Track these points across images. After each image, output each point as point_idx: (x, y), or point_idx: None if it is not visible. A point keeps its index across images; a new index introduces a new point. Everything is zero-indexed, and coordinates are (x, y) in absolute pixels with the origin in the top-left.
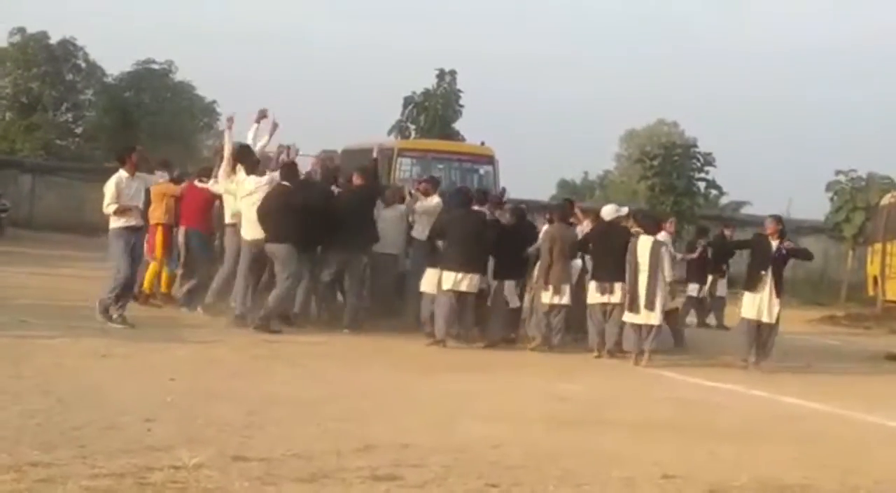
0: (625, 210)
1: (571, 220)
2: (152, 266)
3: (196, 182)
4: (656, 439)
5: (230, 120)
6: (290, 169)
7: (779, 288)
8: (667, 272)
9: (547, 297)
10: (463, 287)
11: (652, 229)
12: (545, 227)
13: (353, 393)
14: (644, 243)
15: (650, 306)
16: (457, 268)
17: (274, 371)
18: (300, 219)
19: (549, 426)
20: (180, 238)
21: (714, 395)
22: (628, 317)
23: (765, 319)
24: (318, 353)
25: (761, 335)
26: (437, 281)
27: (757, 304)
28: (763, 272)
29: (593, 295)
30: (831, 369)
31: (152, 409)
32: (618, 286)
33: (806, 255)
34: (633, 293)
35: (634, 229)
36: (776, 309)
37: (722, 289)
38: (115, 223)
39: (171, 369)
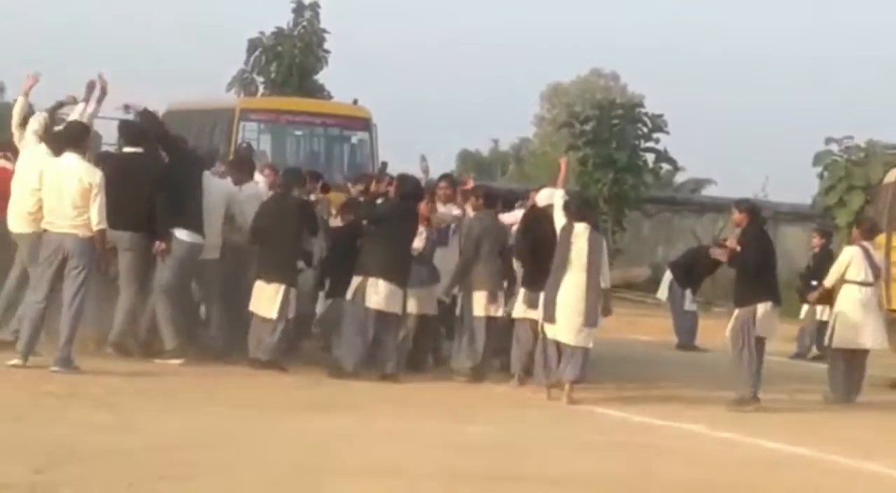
0: (558, 195)
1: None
2: None
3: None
4: None
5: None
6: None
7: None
8: (605, 274)
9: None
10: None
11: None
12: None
13: (179, 442)
14: (581, 233)
15: (590, 320)
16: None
17: (71, 414)
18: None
19: (446, 484)
20: None
21: (666, 438)
22: (550, 330)
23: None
24: (132, 389)
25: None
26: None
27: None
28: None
29: (519, 307)
30: (818, 401)
31: None
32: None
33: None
34: (553, 299)
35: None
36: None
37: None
38: None
39: None
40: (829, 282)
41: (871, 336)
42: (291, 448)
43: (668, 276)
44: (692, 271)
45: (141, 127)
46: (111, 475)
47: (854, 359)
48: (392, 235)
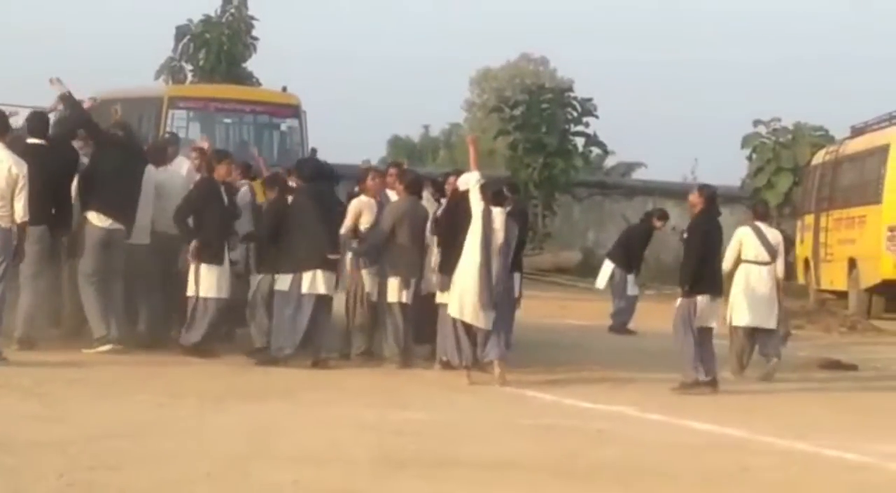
0: (474, 178)
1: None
2: None
3: None
4: (518, 481)
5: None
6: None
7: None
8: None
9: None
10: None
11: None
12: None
13: (111, 431)
14: (497, 217)
15: (486, 303)
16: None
17: (0, 405)
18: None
19: (379, 470)
20: None
21: (596, 420)
22: (456, 312)
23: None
24: (64, 378)
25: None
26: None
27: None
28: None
29: (441, 294)
30: (749, 382)
31: None
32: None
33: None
34: (488, 284)
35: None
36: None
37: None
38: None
39: None
40: (725, 264)
41: (763, 315)
42: (224, 437)
43: (607, 265)
44: (629, 252)
45: (45, 118)
46: (42, 466)
47: (753, 337)
48: (314, 223)
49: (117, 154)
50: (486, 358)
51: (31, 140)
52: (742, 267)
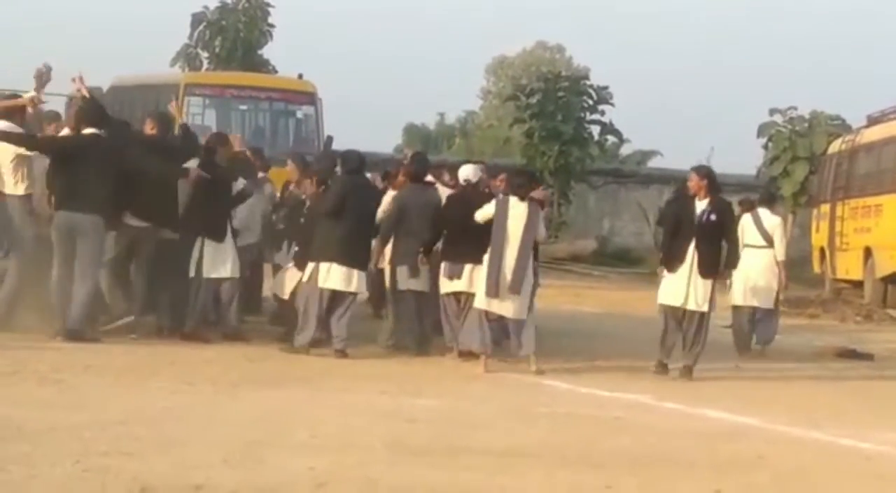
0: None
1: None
2: None
3: None
4: (531, 469)
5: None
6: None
7: (706, 265)
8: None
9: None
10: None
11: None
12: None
13: (126, 417)
14: (517, 207)
15: (516, 288)
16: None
17: (15, 390)
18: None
19: (393, 457)
20: None
21: (612, 408)
22: (483, 303)
23: (690, 305)
24: (80, 364)
25: (686, 329)
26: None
27: (676, 285)
28: (685, 244)
29: (443, 282)
30: (765, 371)
31: None
32: (468, 269)
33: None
34: (497, 272)
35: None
36: (703, 292)
37: None
38: None
39: None
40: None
41: (759, 296)
42: (239, 423)
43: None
44: None
45: (102, 108)
46: (58, 452)
47: (755, 316)
48: (346, 216)
49: (145, 154)
50: (521, 354)
51: (87, 130)
52: (743, 251)
